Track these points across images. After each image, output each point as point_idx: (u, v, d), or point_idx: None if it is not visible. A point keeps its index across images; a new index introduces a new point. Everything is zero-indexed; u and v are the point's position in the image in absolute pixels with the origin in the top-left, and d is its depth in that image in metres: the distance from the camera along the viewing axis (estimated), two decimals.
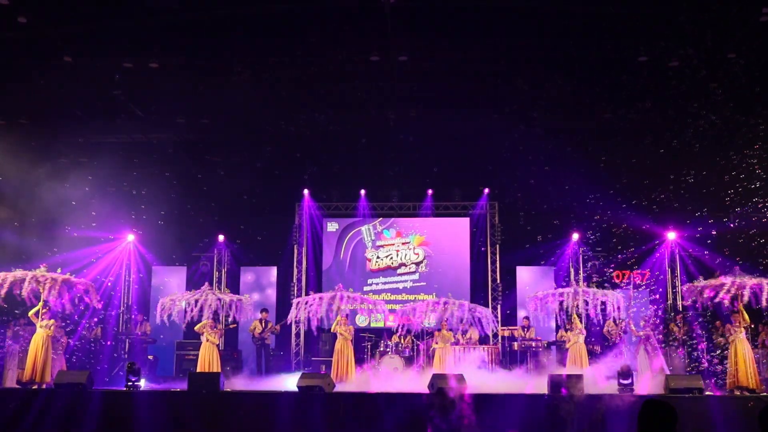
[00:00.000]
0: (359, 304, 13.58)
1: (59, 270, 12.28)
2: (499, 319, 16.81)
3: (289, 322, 13.77)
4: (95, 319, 15.26)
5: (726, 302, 11.48)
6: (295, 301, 13.86)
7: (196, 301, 12.81)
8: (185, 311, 12.82)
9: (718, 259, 15.00)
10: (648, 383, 11.64)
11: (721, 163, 14.79)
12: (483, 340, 15.76)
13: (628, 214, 16.80)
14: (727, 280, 11.59)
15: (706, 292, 11.76)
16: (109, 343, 15.51)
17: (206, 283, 13.75)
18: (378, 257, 17.81)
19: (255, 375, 15.15)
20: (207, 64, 13.11)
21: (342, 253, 17.92)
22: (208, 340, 12.85)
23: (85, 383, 10.60)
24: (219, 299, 12.96)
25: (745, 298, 11.42)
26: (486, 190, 17.45)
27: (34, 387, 11.53)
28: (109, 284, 16.15)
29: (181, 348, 15.74)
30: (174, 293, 13.60)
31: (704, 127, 14.44)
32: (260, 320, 15.58)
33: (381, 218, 17.97)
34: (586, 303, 12.71)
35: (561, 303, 12.86)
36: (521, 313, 16.49)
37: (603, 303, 12.80)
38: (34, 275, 11.77)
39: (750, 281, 11.50)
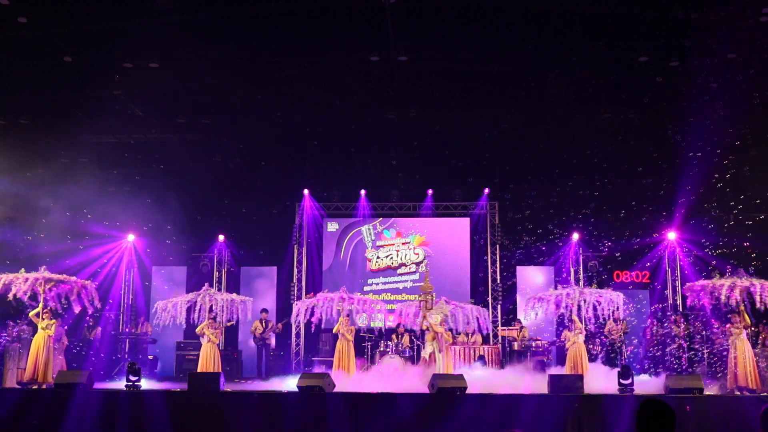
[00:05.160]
0: (364, 305, 13.58)
1: (63, 274, 12.30)
2: (499, 319, 16.82)
3: (295, 321, 13.79)
4: (94, 320, 15.27)
5: (733, 300, 11.44)
6: (301, 302, 13.86)
7: (196, 303, 12.81)
8: (186, 313, 12.82)
9: (714, 261, 15.00)
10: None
11: (722, 165, 14.81)
12: (483, 340, 15.79)
13: (628, 213, 16.82)
14: (728, 281, 11.60)
15: (704, 294, 11.76)
16: (109, 343, 15.52)
17: (206, 284, 13.74)
18: (378, 257, 17.80)
19: (255, 375, 15.19)
20: (206, 64, 13.12)
21: (342, 253, 17.91)
22: (209, 340, 12.84)
23: (85, 383, 10.60)
24: (219, 300, 12.96)
25: (754, 300, 11.41)
26: (486, 190, 17.44)
27: (34, 387, 11.53)
28: (109, 284, 16.16)
29: (181, 348, 15.74)
30: (175, 297, 13.55)
31: (704, 127, 14.46)
32: (261, 320, 15.60)
33: (381, 218, 17.96)
34: (586, 302, 12.68)
35: (560, 303, 12.84)
36: (521, 314, 16.51)
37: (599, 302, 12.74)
38: (35, 276, 11.78)
39: (751, 282, 11.50)
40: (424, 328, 12.93)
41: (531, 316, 13.53)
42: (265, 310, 15.96)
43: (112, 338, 15.85)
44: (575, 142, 15.47)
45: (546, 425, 9.55)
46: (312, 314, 13.19)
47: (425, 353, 12.74)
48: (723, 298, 11.42)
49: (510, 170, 16.82)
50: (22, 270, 11.91)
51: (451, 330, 13.92)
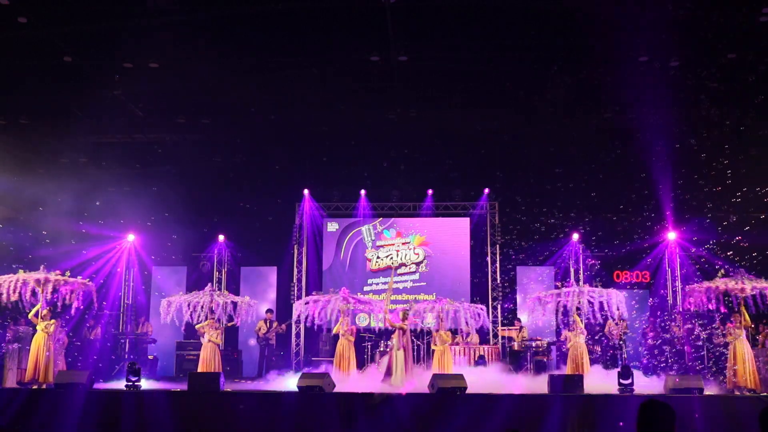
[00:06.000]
0: (364, 305, 13.60)
1: (67, 273, 12.30)
2: (499, 319, 16.82)
3: (295, 320, 13.82)
4: (94, 320, 15.27)
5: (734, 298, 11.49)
6: (301, 301, 13.87)
7: (198, 303, 12.82)
8: (188, 312, 12.82)
9: (718, 262, 14.98)
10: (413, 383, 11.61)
11: (722, 165, 14.81)
12: (483, 340, 15.79)
13: (628, 213, 16.81)
14: (729, 283, 11.61)
15: (707, 294, 11.77)
16: (109, 343, 15.52)
17: (209, 284, 13.75)
18: (378, 257, 17.80)
19: (255, 375, 15.19)
20: (206, 64, 13.12)
21: (342, 253, 17.91)
22: (210, 341, 12.85)
23: (85, 383, 10.60)
24: (220, 300, 12.97)
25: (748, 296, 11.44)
26: (486, 190, 17.44)
27: (34, 387, 11.53)
28: (109, 284, 16.16)
29: (181, 348, 15.75)
30: (179, 294, 13.57)
31: (704, 127, 14.47)
32: (265, 320, 15.62)
33: (381, 218, 17.96)
34: (588, 303, 12.67)
35: (561, 303, 12.84)
36: (521, 314, 16.53)
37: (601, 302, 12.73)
38: (34, 276, 11.78)
39: (751, 284, 11.51)
40: (389, 325, 13.00)
41: (535, 316, 13.54)
42: (270, 311, 16.00)
43: (112, 338, 15.85)
44: (575, 142, 15.47)
45: (546, 425, 9.55)
46: (311, 315, 13.20)
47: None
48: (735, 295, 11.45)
49: (510, 170, 16.81)
50: (21, 271, 11.93)
51: (452, 330, 13.97)
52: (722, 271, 12.10)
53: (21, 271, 11.94)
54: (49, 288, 11.91)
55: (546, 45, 12.32)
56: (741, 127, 14.47)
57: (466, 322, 13.40)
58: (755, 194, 15.07)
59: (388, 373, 12.31)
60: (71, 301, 12.21)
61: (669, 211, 16.17)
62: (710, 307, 11.94)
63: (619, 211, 16.88)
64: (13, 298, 11.70)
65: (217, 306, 12.89)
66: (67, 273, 12.41)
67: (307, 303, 13.43)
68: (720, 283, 11.82)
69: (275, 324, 15.81)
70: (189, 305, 12.84)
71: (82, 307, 12.60)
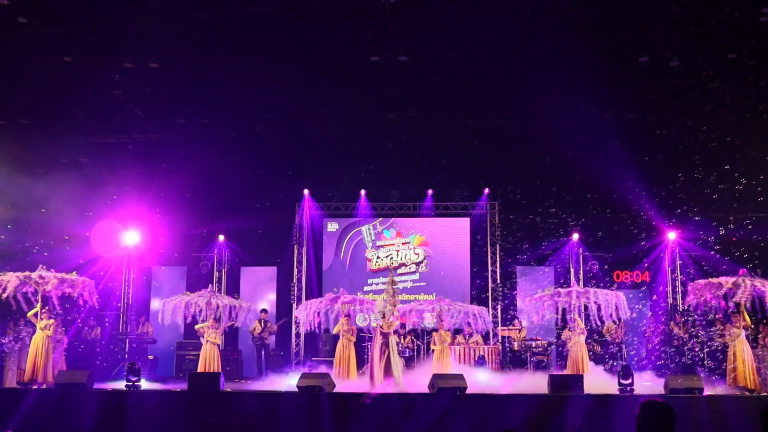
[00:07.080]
0: (361, 305, 13.61)
1: (74, 273, 12.31)
2: (499, 319, 16.81)
3: (297, 320, 13.85)
4: (94, 320, 15.27)
5: (736, 299, 11.46)
6: (302, 305, 13.90)
7: (197, 304, 12.82)
8: (187, 313, 12.83)
9: (723, 264, 14.98)
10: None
11: (722, 165, 14.81)
12: (483, 340, 15.79)
13: (628, 213, 16.81)
14: (730, 281, 11.60)
15: (708, 292, 11.75)
16: (110, 344, 15.51)
17: (209, 286, 13.75)
18: (378, 257, 17.80)
19: (255, 375, 15.19)
20: (206, 65, 13.12)
21: (342, 253, 17.91)
22: (208, 341, 12.85)
23: (85, 383, 10.60)
24: (219, 302, 12.98)
25: (748, 303, 11.42)
26: (486, 190, 17.43)
27: (34, 387, 11.53)
28: (109, 284, 16.15)
29: (181, 348, 15.74)
30: (177, 296, 13.56)
31: (704, 127, 14.47)
32: (260, 320, 15.60)
33: (381, 218, 17.96)
34: (587, 303, 12.68)
35: (560, 303, 12.85)
36: (521, 314, 16.52)
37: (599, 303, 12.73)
38: (34, 276, 11.78)
39: (754, 283, 11.50)
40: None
41: (533, 318, 13.56)
42: (264, 311, 15.98)
43: (112, 338, 15.84)
44: (575, 142, 15.45)
45: (546, 425, 9.55)
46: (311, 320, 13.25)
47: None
48: (735, 297, 11.42)
49: (510, 170, 16.81)
50: (42, 266, 11.96)
51: (453, 331, 13.98)
52: (747, 270, 12.05)
53: (43, 266, 11.97)
54: (49, 287, 11.89)
55: (546, 45, 12.30)
56: (741, 126, 14.46)
57: (469, 324, 13.41)
58: (755, 193, 15.08)
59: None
60: (72, 300, 12.21)
61: (669, 210, 16.17)
62: (711, 305, 11.92)
63: (618, 211, 16.87)
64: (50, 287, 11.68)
65: (217, 307, 12.90)
66: (74, 273, 12.41)
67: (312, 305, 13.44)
68: (722, 281, 11.79)
69: (269, 324, 15.82)
70: (188, 307, 12.85)
71: (83, 307, 12.60)
